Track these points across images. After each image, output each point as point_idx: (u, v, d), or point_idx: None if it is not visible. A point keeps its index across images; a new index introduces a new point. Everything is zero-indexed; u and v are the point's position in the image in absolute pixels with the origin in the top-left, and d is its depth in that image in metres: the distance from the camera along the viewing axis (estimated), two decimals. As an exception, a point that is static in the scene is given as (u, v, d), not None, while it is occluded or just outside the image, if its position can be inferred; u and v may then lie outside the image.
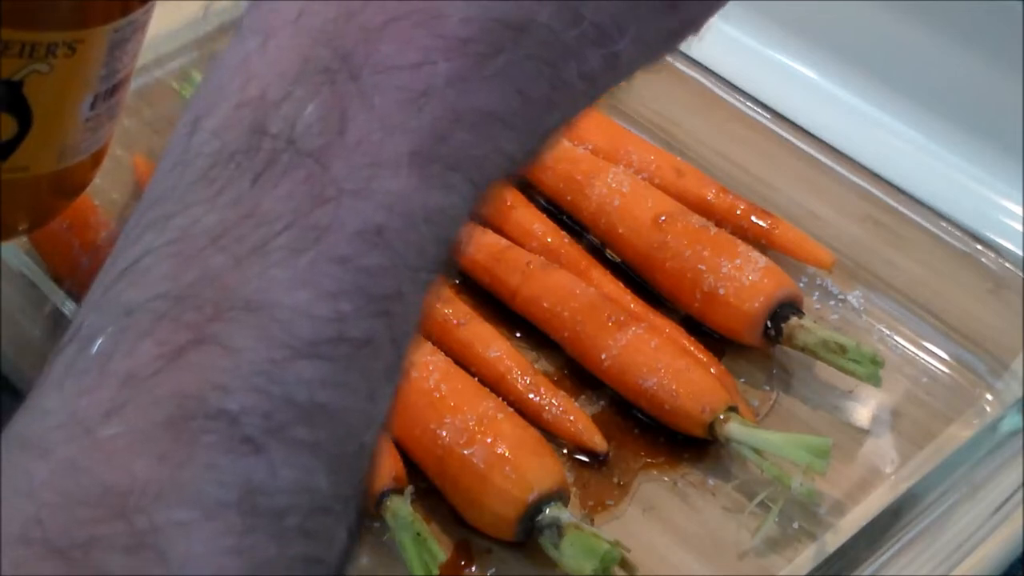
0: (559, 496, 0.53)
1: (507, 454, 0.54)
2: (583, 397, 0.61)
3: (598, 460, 0.58)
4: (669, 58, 0.76)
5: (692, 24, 0.32)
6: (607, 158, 0.68)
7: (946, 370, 0.62)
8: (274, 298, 0.25)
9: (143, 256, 0.25)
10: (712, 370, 0.60)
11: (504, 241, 0.66)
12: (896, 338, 0.63)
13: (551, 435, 0.58)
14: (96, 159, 0.43)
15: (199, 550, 0.23)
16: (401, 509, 0.53)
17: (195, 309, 0.24)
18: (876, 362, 0.57)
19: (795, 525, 0.55)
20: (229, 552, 0.23)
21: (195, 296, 0.24)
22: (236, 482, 0.24)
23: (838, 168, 0.67)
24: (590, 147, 0.69)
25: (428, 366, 0.58)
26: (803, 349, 0.59)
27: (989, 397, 0.60)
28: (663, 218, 0.64)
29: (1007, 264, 0.62)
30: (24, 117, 0.39)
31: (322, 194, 0.25)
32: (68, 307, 0.55)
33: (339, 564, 0.26)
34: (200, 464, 0.23)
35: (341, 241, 0.25)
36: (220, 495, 0.23)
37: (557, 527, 0.52)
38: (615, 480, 0.58)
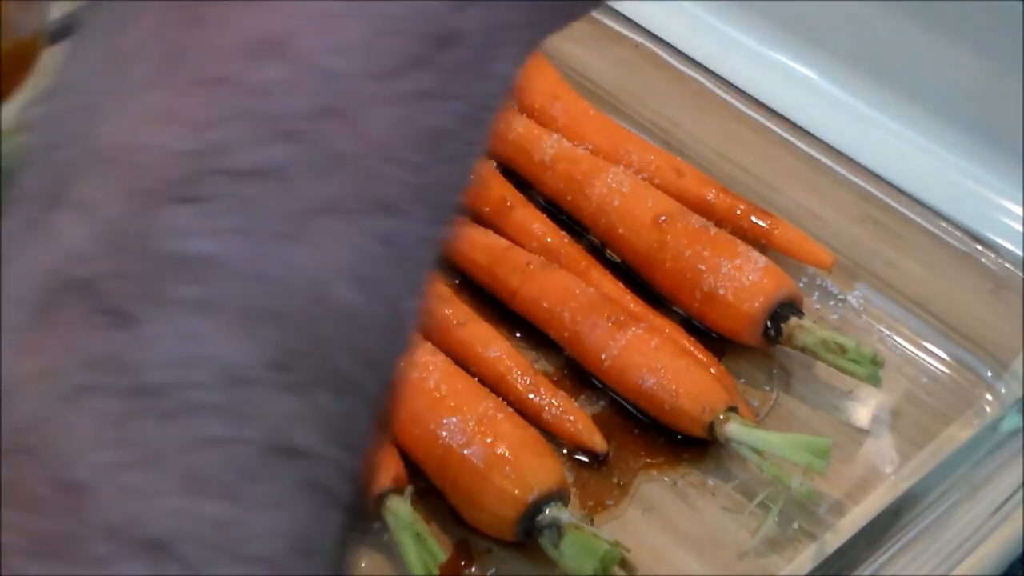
0: (559, 496, 0.53)
1: (507, 454, 0.54)
2: (583, 397, 0.61)
3: (598, 460, 0.58)
4: (669, 58, 0.77)
5: None
6: (607, 158, 0.68)
7: (946, 370, 0.62)
8: (134, 141, 0.21)
9: None
10: (712, 370, 0.60)
11: (504, 241, 0.66)
12: (896, 338, 0.63)
13: (551, 435, 0.58)
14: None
15: (79, 446, 0.20)
16: (401, 509, 0.53)
17: (50, 176, 0.22)
18: (876, 362, 0.57)
19: (795, 525, 0.55)
20: (113, 445, 0.20)
21: (50, 161, 0.22)
22: (102, 362, 0.20)
23: (838, 168, 0.67)
24: (590, 147, 0.69)
25: (428, 366, 0.58)
26: (803, 349, 0.59)
27: (989, 397, 0.60)
28: (663, 218, 0.64)
29: (1007, 264, 0.62)
30: None
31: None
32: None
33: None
34: (60, 348, 0.20)
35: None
36: (85, 380, 0.20)
37: (557, 527, 0.52)
38: (615, 480, 0.58)
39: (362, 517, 0.24)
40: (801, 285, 0.64)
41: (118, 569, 0.20)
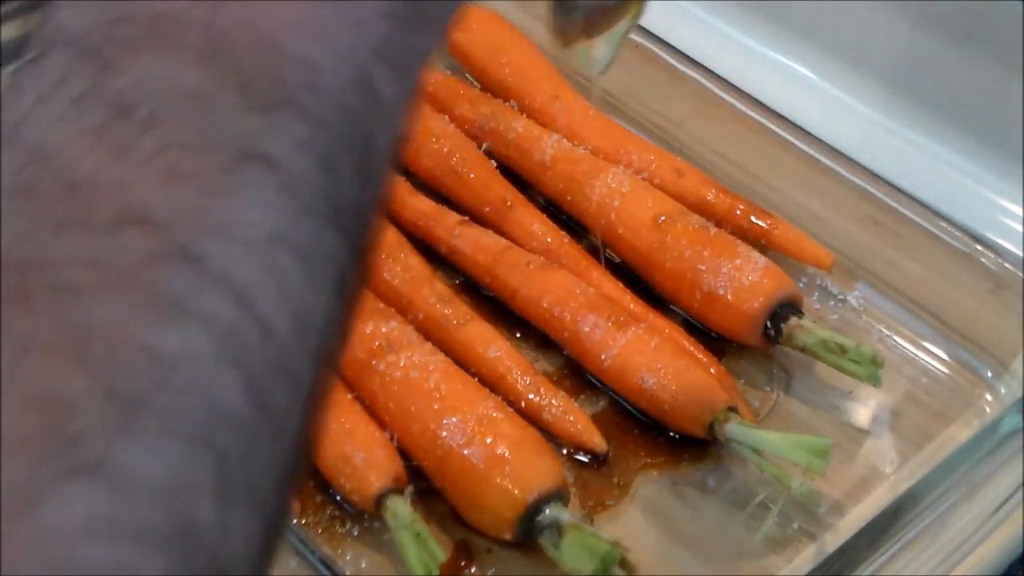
0: (559, 496, 0.53)
1: (507, 454, 0.54)
2: (583, 397, 0.61)
3: (598, 460, 0.58)
4: (669, 58, 0.77)
5: None
6: (607, 158, 0.68)
7: (946, 370, 0.62)
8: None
9: None
10: (712, 370, 0.60)
11: (504, 241, 0.66)
12: (896, 338, 0.63)
13: (551, 435, 0.58)
14: None
15: (75, 157, 0.23)
16: (401, 509, 0.53)
17: None
18: (876, 362, 0.57)
19: (795, 525, 0.55)
20: (100, 149, 0.23)
21: None
22: (89, 93, 0.24)
23: (838, 168, 0.67)
24: (590, 147, 0.69)
25: (428, 366, 0.58)
26: (803, 349, 0.59)
27: (989, 397, 0.60)
28: (663, 218, 0.64)
29: (1007, 264, 0.62)
30: None
31: None
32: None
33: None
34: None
35: None
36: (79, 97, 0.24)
37: (557, 527, 0.52)
38: (615, 480, 0.58)
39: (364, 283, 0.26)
40: (801, 285, 0.64)
41: (118, 239, 0.23)
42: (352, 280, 0.26)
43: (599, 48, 0.47)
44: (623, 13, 0.46)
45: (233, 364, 0.23)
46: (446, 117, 0.72)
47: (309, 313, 0.24)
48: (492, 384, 0.59)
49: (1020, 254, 0.64)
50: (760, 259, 0.61)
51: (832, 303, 0.64)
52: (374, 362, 0.58)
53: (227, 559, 0.22)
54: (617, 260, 0.66)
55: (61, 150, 0.23)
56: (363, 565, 0.54)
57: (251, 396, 0.23)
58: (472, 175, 0.69)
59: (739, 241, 0.63)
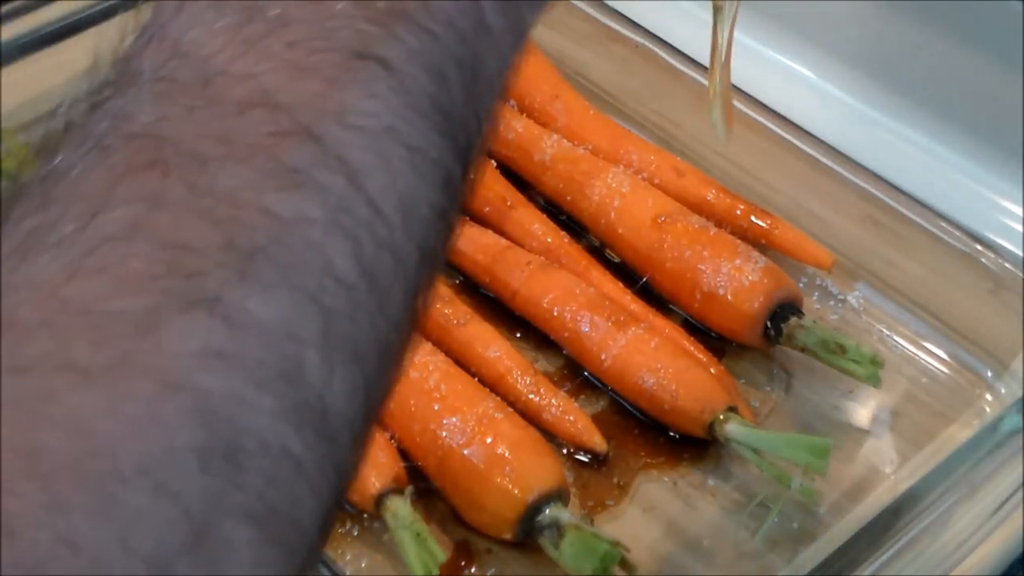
0: (559, 496, 0.53)
1: (507, 454, 0.54)
2: (583, 397, 0.61)
3: (598, 460, 0.58)
4: (669, 58, 0.77)
5: None
6: (607, 158, 0.68)
7: (946, 370, 0.62)
8: None
9: None
10: (712, 370, 0.60)
11: (504, 241, 0.66)
12: (896, 338, 0.63)
13: (551, 435, 0.58)
14: None
15: (213, 50, 0.26)
16: (401, 509, 0.53)
17: None
18: (876, 362, 0.57)
19: (795, 525, 0.55)
20: (236, 45, 0.26)
21: None
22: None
23: (838, 168, 0.67)
24: (590, 147, 0.69)
25: (428, 366, 0.58)
26: (803, 349, 0.59)
27: (989, 397, 0.60)
28: (663, 218, 0.64)
29: (1007, 264, 0.62)
30: None
31: None
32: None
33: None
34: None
35: None
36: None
37: (557, 527, 0.52)
38: (615, 480, 0.58)
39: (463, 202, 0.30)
40: (801, 285, 0.64)
41: (245, 118, 0.25)
42: (458, 186, 0.29)
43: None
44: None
45: (343, 232, 0.25)
46: (446, 117, 0.72)
47: (414, 202, 0.27)
48: (492, 384, 0.59)
49: (1020, 254, 0.64)
50: (760, 259, 0.61)
51: (832, 303, 0.64)
52: (374, 362, 0.58)
53: (330, 411, 0.24)
54: (617, 260, 0.66)
55: (200, 45, 0.26)
56: (363, 565, 0.54)
57: (358, 264, 0.25)
58: (472, 175, 0.69)
59: (739, 241, 0.63)
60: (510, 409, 0.57)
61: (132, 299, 0.23)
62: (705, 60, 0.73)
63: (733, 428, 0.56)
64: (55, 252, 0.23)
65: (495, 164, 0.70)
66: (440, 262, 0.29)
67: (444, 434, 0.55)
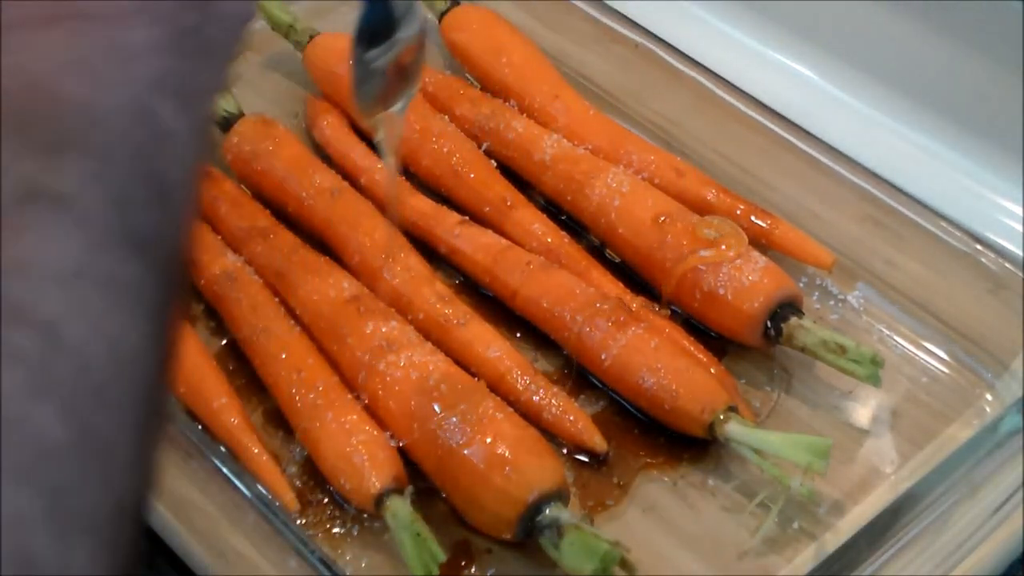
0: (559, 496, 0.53)
1: (507, 454, 0.54)
2: (583, 397, 0.61)
3: (598, 460, 0.58)
4: (669, 58, 0.77)
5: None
6: (607, 158, 0.68)
7: (946, 370, 0.62)
8: None
9: None
10: (712, 370, 0.60)
11: (504, 241, 0.66)
12: (896, 338, 0.63)
13: (551, 435, 0.58)
14: None
15: None
16: (401, 509, 0.53)
17: None
18: (876, 362, 0.57)
19: (795, 525, 0.55)
20: None
21: None
22: None
23: (838, 168, 0.67)
24: (590, 147, 0.69)
25: (428, 366, 0.58)
26: (803, 349, 0.59)
27: (989, 397, 0.60)
28: (663, 218, 0.64)
29: (1007, 264, 0.62)
30: None
31: None
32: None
33: None
34: None
35: None
36: None
37: (557, 527, 0.52)
38: (615, 480, 0.58)
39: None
40: (801, 285, 0.64)
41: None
42: (166, 308, 0.26)
43: (395, 109, 0.54)
44: (410, 84, 0.53)
45: (47, 396, 0.23)
46: (446, 117, 0.72)
47: (123, 341, 0.25)
48: (492, 384, 0.59)
49: (1020, 254, 0.64)
50: (760, 259, 0.61)
51: (832, 303, 0.64)
52: (374, 362, 0.58)
53: None
54: (617, 260, 0.66)
55: None
56: (363, 565, 0.54)
57: (71, 425, 0.23)
58: (472, 175, 0.69)
59: (739, 241, 0.63)
60: (510, 409, 0.57)
61: None
62: (705, 60, 0.74)
63: (733, 428, 0.56)
64: None
65: (495, 164, 0.70)
66: (167, 381, 0.27)
67: (444, 434, 0.55)
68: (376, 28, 0.50)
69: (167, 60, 0.28)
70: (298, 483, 0.57)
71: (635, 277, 0.65)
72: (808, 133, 0.69)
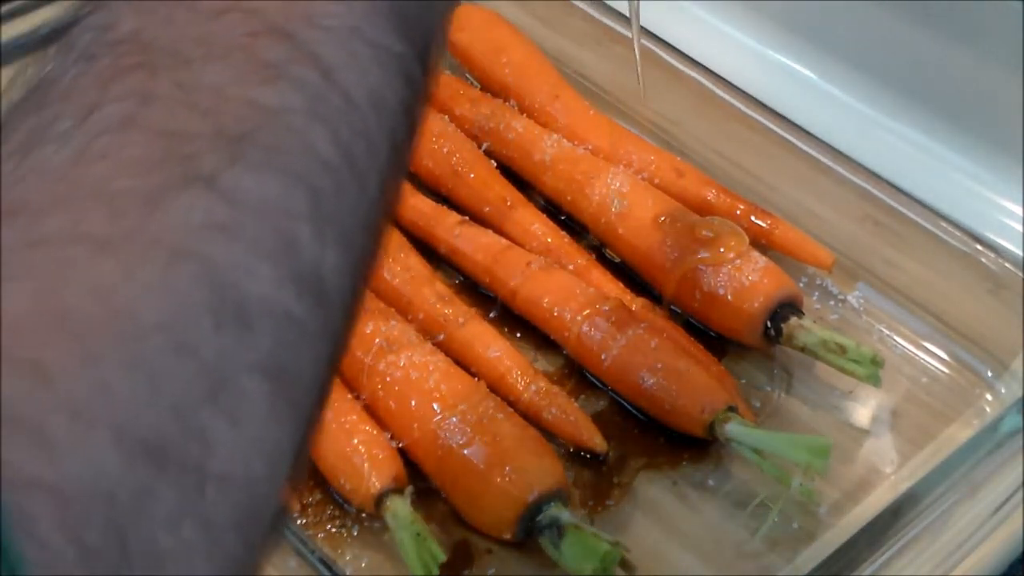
0: (559, 496, 0.53)
1: (507, 454, 0.54)
2: (583, 397, 0.61)
3: (598, 460, 0.58)
4: (669, 58, 0.77)
5: None
6: (607, 158, 0.68)
7: (946, 370, 0.62)
8: None
9: None
10: (712, 370, 0.60)
11: (504, 241, 0.66)
12: (896, 338, 0.63)
13: (551, 435, 0.58)
14: None
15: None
16: (401, 509, 0.53)
17: None
18: (876, 362, 0.57)
19: (795, 525, 0.55)
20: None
21: None
22: None
23: (838, 168, 0.67)
24: (590, 147, 0.69)
25: (428, 366, 0.58)
26: (803, 349, 0.59)
27: (989, 397, 0.60)
28: (663, 218, 0.64)
29: (1007, 264, 0.62)
30: None
31: None
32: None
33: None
34: None
35: None
36: None
37: (557, 527, 0.52)
38: (615, 480, 0.58)
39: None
40: (801, 285, 0.64)
41: (220, 21, 0.28)
42: (418, 83, 0.30)
43: None
44: None
45: (321, 120, 0.27)
46: (446, 117, 0.72)
47: (382, 95, 0.29)
48: (492, 384, 0.59)
49: (1020, 254, 0.64)
50: (760, 259, 0.61)
51: (832, 303, 0.64)
52: (374, 362, 0.58)
53: (325, 281, 0.26)
54: (617, 260, 0.66)
55: None
56: (363, 565, 0.54)
57: (337, 148, 0.27)
58: (472, 175, 0.69)
59: (739, 241, 0.63)
60: (510, 409, 0.57)
61: (137, 179, 0.25)
62: (705, 60, 0.74)
63: (733, 428, 0.56)
64: (57, 144, 0.25)
65: (495, 164, 0.70)
66: (407, 157, 0.31)
67: (444, 434, 0.55)
68: None
69: None
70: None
71: (635, 277, 0.65)
72: (808, 133, 0.69)
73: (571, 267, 0.64)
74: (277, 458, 0.25)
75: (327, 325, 0.27)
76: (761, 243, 0.64)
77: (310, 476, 0.57)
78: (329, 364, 0.27)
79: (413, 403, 0.56)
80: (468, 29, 0.77)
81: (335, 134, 0.27)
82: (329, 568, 0.51)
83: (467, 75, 0.77)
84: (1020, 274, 0.62)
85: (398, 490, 0.54)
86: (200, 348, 0.24)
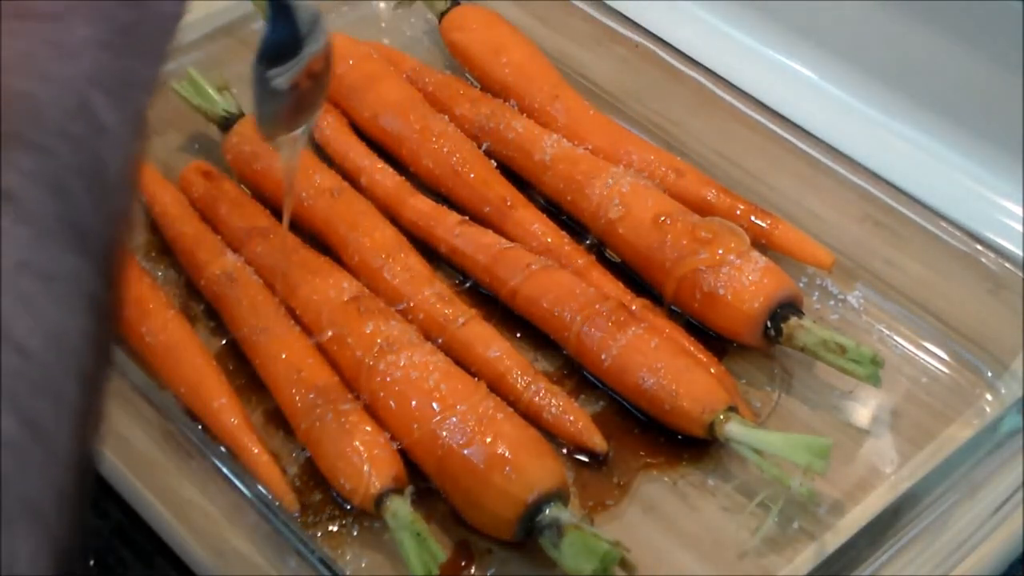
0: (559, 496, 0.53)
1: (507, 454, 0.54)
2: (583, 397, 0.61)
3: (598, 460, 0.58)
4: (669, 58, 0.77)
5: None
6: (607, 158, 0.68)
7: (946, 370, 0.62)
8: None
9: None
10: (712, 370, 0.60)
11: (504, 241, 0.66)
12: (896, 338, 0.63)
13: (551, 435, 0.58)
14: None
15: None
16: (401, 509, 0.53)
17: None
18: (876, 362, 0.57)
19: (795, 525, 0.55)
20: None
21: None
22: None
23: (838, 168, 0.67)
24: (590, 147, 0.69)
25: (428, 366, 0.58)
26: (803, 349, 0.59)
27: (989, 397, 0.60)
28: (663, 218, 0.64)
29: (1007, 264, 0.62)
30: None
31: None
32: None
33: None
34: None
35: None
36: None
37: (557, 527, 0.52)
38: (615, 480, 0.58)
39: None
40: (801, 285, 0.64)
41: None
42: (104, 300, 0.27)
43: (298, 132, 0.54)
44: (315, 108, 0.53)
45: None
46: (446, 117, 0.72)
47: (63, 333, 0.26)
48: (492, 384, 0.59)
49: (1020, 254, 0.64)
50: (760, 259, 0.61)
51: (832, 303, 0.64)
52: (374, 362, 0.58)
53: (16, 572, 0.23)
54: (617, 260, 0.66)
55: None
56: (363, 565, 0.54)
57: (17, 419, 0.24)
58: (472, 175, 0.69)
59: (739, 241, 0.63)
60: (510, 409, 0.57)
61: None
62: (705, 60, 0.74)
63: (733, 428, 0.56)
64: None
65: (495, 164, 0.70)
66: (102, 379, 0.28)
67: (444, 434, 0.55)
68: (281, 46, 0.49)
69: (104, 56, 0.29)
70: (298, 483, 0.57)
71: (635, 277, 0.65)
72: (808, 133, 0.69)
73: (571, 267, 0.64)
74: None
75: None
76: (761, 243, 0.64)
77: (310, 476, 0.57)
78: None
79: (413, 403, 0.56)
80: (468, 29, 0.77)
81: (12, 399, 0.24)
82: (329, 568, 0.51)
83: (467, 75, 0.77)
84: (1020, 274, 0.62)
85: (398, 490, 0.54)
86: None
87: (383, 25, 0.83)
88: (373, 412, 0.58)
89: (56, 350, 0.26)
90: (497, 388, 0.59)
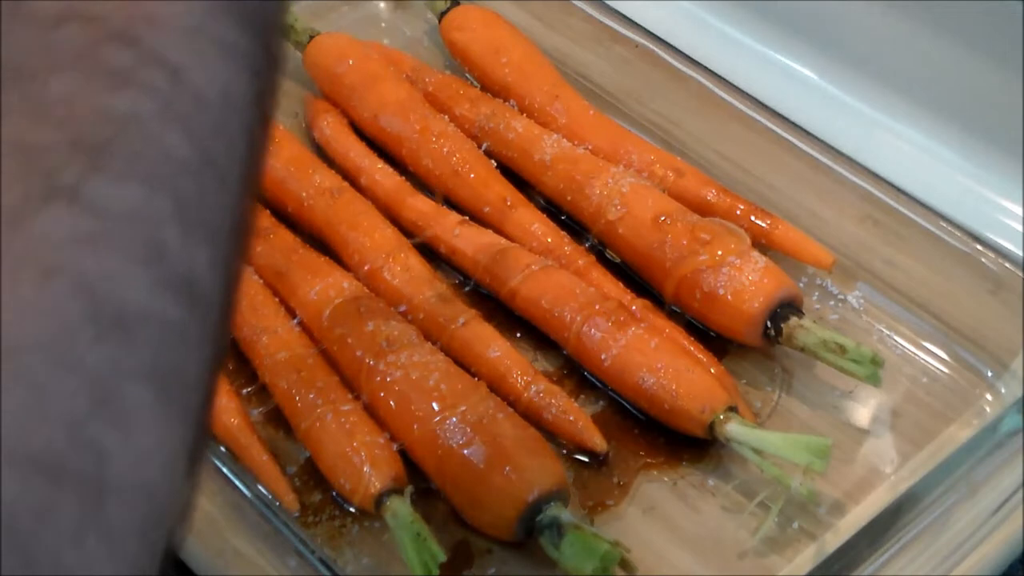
0: (559, 496, 0.53)
1: (507, 454, 0.54)
2: (583, 397, 0.61)
3: (598, 460, 0.58)
4: (669, 58, 0.77)
5: None
6: (607, 158, 0.68)
7: (946, 370, 0.62)
8: None
9: None
10: (712, 370, 0.60)
11: (504, 241, 0.66)
12: (896, 338, 0.63)
13: (551, 435, 0.58)
14: None
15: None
16: (401, 509, 0.53)
17: None
18: (876, 362, 0.57)
19: (795, 525, 0.55)
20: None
21: None
22: None
23: (838, 168, 0.67)
24: (590, 147, 0.69)
25: (428, 366, 0.58)
26: (803, 349, 0.59)
27: (989, 397, 0.60)
28: (663, 218, 0.64)
29: (1007, 264, 0.62)
30: None
31: None
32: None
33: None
34: None
35: None
36: None
37: (557, 527, 0.52)
38: (615, 480, 0.58)
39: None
40: (801, 285, 0.64)
41: (62, 31, 0.28)
42: (265, 76, 0.30)
43: None
44: None
45: (176, 123, 0.27)
46: (446, 117, 0.72)
47: (233, 90, 0.29)
48: (492, 384, 0.59)
49: (1020, 254, 0.64)
50: (760, 259, 0.61)
51: (832, 303, 0.64)
52: (374, 362, 0.58)
53: (198, 281, 0.27)
54: (617, 260, 0.66)
55: None
56: (363, 565, 0.54)
57: (195, 149, 0.27)
58: (472, 175, 0.69)
59: (739, 241, 0.63)
60: (510, 409, 0.57)
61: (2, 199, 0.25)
62: (705, 60, 0.74)
63: (733, 428, 0.56)
64: None
65: (495, 164, 0.70)
66: (262, 150, 0.31)
67: (444, 434, 0.55)
68: None
69: None
70: (298, 483, 0.57)
71: (635, 277, 0.65)
72: (808, 133, 0.69)
73: (571, 267, 0.64)
74: (171, 462, 0.25)
75: (205, 324, 0.27)
76: (761, 243, 0.64)
77: (310, 476, 0.57)
78: (211, 363, 0.28)
79: (413, 403, 0.56)
80: (468, 29, 0.77)
81: (191, 135, 0.27)
82: (329, 568, 0.51)
83: (467, 75, 0.77)
84: (1020, 274, 0.62)
85: (398, 490, 0.54)
86: (81, 361, 0.24)
87: (383, 25, 0.83)
88: (373, 412, 0.58)
89: (228, 104, 0.29)
90: (497, 388, 0.59)
